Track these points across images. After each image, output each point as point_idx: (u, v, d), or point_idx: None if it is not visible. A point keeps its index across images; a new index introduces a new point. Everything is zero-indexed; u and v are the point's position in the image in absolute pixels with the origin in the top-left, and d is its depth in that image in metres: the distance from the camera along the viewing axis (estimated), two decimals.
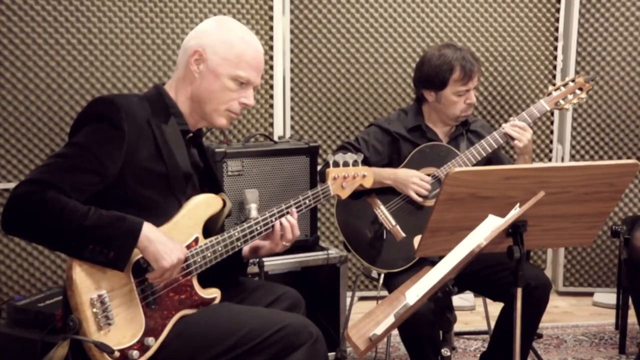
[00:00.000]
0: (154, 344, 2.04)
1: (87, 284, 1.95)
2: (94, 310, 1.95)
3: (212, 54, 2.16)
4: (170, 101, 2.20)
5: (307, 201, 2.35)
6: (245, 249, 2.36)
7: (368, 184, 2.50)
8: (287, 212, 2.29)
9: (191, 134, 2.25)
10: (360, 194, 2.97)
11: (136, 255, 2.01)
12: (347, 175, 2.43)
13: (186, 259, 2.11)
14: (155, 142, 2.10)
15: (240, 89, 2.20)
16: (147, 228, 1.99)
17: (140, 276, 2.04)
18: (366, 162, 2.89)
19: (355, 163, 2.46)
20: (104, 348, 1.93)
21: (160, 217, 2.10)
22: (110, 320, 1.97)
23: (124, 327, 2.00)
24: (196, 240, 2.15)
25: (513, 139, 2.92)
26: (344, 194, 2.45)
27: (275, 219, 2.27)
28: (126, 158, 2.04)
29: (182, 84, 2.21)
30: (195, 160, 2.31)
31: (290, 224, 2.30)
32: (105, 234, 1.94)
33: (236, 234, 2.20)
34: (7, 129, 3.36)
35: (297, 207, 2.32)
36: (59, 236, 1.94)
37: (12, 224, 1.95)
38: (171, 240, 2.04)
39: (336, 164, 2.43)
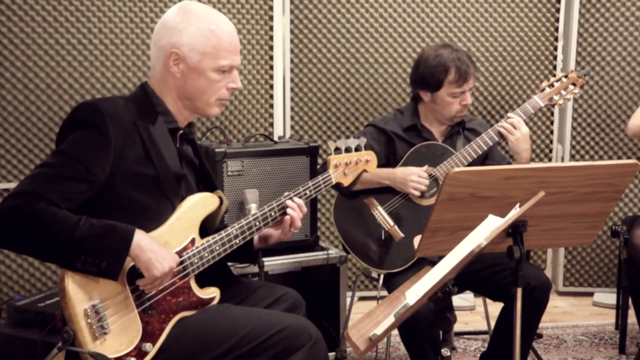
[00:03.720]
0: (152, 349, 2.03)
1: (80, 294, 1.93)
2: (89, 320, 1.93)
3: (189, 52, 2.12)
4: (157, 99, 2.17)
5: (307, 192, 2.32)
6: (255, 238, 2.35)
7: (372, 168, 2.45)
8: (286, 205, 2.27)
9: (182, 131, 2.22)
10: (358, 194, 2.98)
11: (130, 262, 1.99)
12: (349, 161, 2.39)
13: (182, 262, 2.09)
14: (143, 145, 2.08)
15: (225, 75, 2.18)
16: (139, 236, 1.96)
17: (135, 282, 2.02)
18: None
19: (358, 148, 2.41)
20: (99, 358, 1.91)
21: (154, 221, 2.08)
22: (106, 329, 1.95)
23: (120, 335, 1.98)
24: (192, 242, 2.13)
25: (503, 137, 2.93)
26: (347, 181, 2.41)
27: (275, 213, 2.25)
28: (114, 163, 2.01)
29: (165, 85, 2.17)
30: (189, 157, 2.28)
31: (300, 209, 2.27)
32: (96, 244, 1.91)
33: (234, 231, 2.18)
34: (7, 129, 3.36)
35: (296, 196, 2.29)
36: (50, 248, 1.91)
37: (1, 237, 1.92)
38: (163, 247, 2.02)
39: (338, 151, 2.38)
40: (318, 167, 3.20)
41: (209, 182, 2.33)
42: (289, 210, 2.27)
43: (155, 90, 2.19)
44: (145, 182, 2.08)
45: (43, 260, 2.01)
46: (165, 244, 2.07)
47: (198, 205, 2.18)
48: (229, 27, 2.19)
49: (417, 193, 2.89)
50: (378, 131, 3.03)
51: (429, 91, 2.95)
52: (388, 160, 3.02)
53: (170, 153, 2.14)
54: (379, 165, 2.98)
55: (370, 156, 2.44)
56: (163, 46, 2.14)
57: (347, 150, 2.39)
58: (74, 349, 1.92)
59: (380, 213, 2.94)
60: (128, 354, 1.99)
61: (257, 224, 2.22)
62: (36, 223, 1.89)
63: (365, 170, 2.45)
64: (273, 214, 2.25)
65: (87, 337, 1.93)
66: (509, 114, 2.98)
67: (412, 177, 2.89)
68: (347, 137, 3.10)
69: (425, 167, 2.92)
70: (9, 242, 1.94)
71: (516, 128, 2.92)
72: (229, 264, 2.44)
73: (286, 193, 2.29)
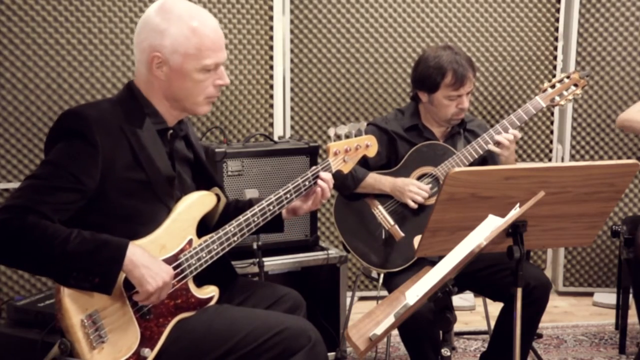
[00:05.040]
0: (150, 354, 2.02)
1: (76, 305, 1.91)
2: (86, 331, 1.91)
3: (171, 54, 2.05)
4: (144, 100, 2.12)
5: (307, 182, 2.29)
6: (284, 211, 2.33)
7: (372, 153, 2.43)
8: (286, 199, 2.24)
9: (171, 130, 2.18)
10: (359, 194, 2.98)
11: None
12: (349, 148, 2.36)
13: (180, 264, 2.08)
14: (131, 150, 2.04)
15: (211, 73, 2.12)
16: (132, 250, 1.94)
17: (133, 289, 1.99)
18: (365, 162, 2.89)
19: (358, 132, 2.37)
20: None
21: (148, 225, 2.05)
22: (103, 338, 1.94)
23: (118, 343, 1.97)
24: (190, 242, 2.12)
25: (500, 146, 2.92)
26: (347, 168, 2.38)
27: (273, 207, 2.22)
28: (103, 171, 1.98)
29: (151, 86, 2.12)
30: (182, 154, 2.25)
31: (327, 183, 2.29)
32: (88, 260, 1.89)
33: (232, 229, 2.15)
34: (7, 129, 3.36)
35: (296, 191, 2.27)
36: (41, 264, 1.89)
37: None
38: (157, 261, 2.00)
39: (338, 137, 2.35)
40: (319, 164, 3.19)
41: (206, 175, 2.30)
42: (319, 182, 2.27)
43: (142, 90, 2.14)
44: (136, 187, 2.05)
45: (36, 274, 1.98)
46: (162, 248, 2.06)
47: (195, 205, 2.16)
48: (211, 24, 2.11)
49: (414, 204, 2.88)
50: (380, 131, 3.02)
51: (426, 92, 2.95)
52: (389, 159, 3.02)
53: (160, 155, 2.10)
54: (380, 165, 2.99)
55: (371, 140, 2.40)
56: (145, 49, 2.08)
57: (347, 136, 2.36)
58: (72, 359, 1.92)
59: (381, 212, 2.94)
60: None
61: (256, 219, 2.20)
62: (26, 238, 1.86)
63: (365, 156, 2.42)
64: (272, 207, 2.22)
65: (85, 347, 1.91)
66: (511, 131, 2.93)
67: (411, 188, 2.89)
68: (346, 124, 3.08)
69: (429, 187, 2.91)
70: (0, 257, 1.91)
71: (512, 143, 2.92)
72: (232, 262, 2.43)
73: (286, 186, 2.27)
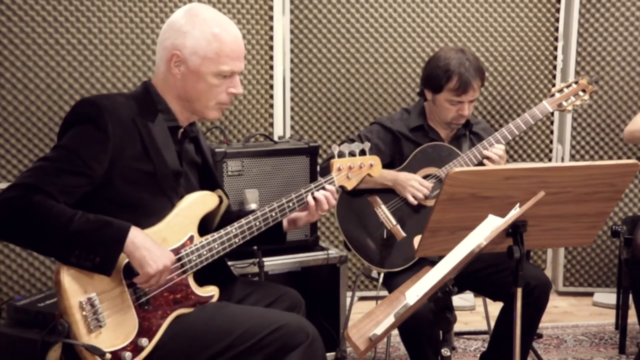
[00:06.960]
0: (148, 344, 2.04)
1: (75, 287, 1.95)
2: (84, 313, 1.94)
3: (191, 55, 2.13)
4: (158, 98, 2.19)
5: (309, 194, 2.31)
6: (285, 222, 2.37)
7: (376, 173, 2.44)
8: (288, 208, 2.27)
9: (182, 129, 2.23)
10: (362, 192, 2.98)
11: (126, 257, 2.00)
12: (353, 165, 2.38)
13: (180, 259, 2.10)
14: (141, 141, 2.09)
15: (226, 80, 2.19)
16: (134, 233, 1.97)
17: (132, 277, 2.03)
18: None
19: (362, 152, 2.39)
20: (94, 350, 1.92)
21: (151, 217, 2.09)
22: (101, 322, 1.97)
23: (116, 329, 1.99)
24: (191, 239, 2.14)
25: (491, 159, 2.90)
26: (350, 185, 2.39)
27: (275, 214, 2.25)
28: (112, 159, 2.03)
29: (166, 84, 2.19)
30: (191, 156, 2.29)
31: (325, 196, 2.30)
32: (90, 239, 1.93)
33: (234, 230, 2.19)
34: (7, 129, 3.36)
35: (298, 201, 2.29)
36: (45, 241, 1.93)
37: None
38: (158, 245, 2.02)
39: (341, 154, 2.37)
40: (319, 164, 3.20)
41: (213, 182, 2.34)
42: (320, 191, 2.29)
43: (158, 88, 2.20)
44: (142, 178, 2.09)
45: (38, 252, 2.07)
46: (163, 241, 2.08)
47: (197, 203, 2.18)
48: (234, 32, 2.19)
49: (413, 200, 2.89)
50: (384, 130, 3.03)
51: (431, 91, 2.97)
52: (393, 159, 3.02)
53: (169, 150, 2.15)
54: (384, 165, 2.98)
55: (375, 160, 2.43)
56: (166, 47, 2.16)
57: (351, 154, 2.38)
58: (69, 341, 1.94)
59: (383, 212, 2.95)
60: (124, 349, 2.00)
61: (258, 224, 2.23)
62: (32, 215, 1.91)
63: (369, 175, 2.44)
64: (274, 214, 2.25)
65: (82, 329, 1.94)
66: (498, 146, 2.92)
67: (412, 183, 2.89)
68: (348, 137, 3.09)
69: (431, 185, 2.91)
70: (4, 233, 1.96)
71: (501, 159, 2.91)
72: (229, 263, 2.44)
73: (289, 195, 2.28)
